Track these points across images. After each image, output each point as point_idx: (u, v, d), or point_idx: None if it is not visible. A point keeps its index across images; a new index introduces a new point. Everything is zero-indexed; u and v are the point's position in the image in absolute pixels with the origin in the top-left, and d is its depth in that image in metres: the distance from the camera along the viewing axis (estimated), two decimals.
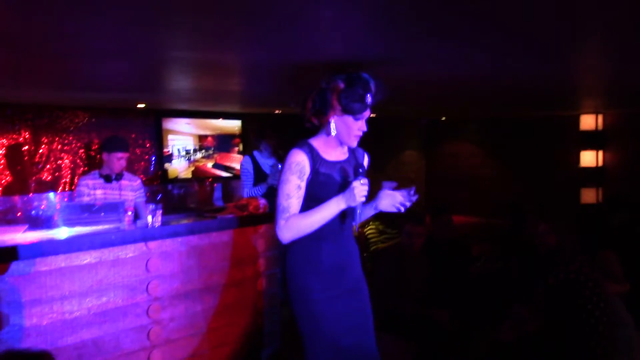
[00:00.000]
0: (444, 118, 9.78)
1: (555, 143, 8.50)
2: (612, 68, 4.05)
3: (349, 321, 2.58)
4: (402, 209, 2.52)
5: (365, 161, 2.77)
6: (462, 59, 3.53)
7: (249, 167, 4.97)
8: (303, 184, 2.51)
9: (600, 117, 7.93)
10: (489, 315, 4.18)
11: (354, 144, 2.58)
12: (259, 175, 4.99)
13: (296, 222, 2.47)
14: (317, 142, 2.58)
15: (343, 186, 2.53)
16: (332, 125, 2.52)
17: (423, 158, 10.43)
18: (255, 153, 5.10)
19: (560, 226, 5.37)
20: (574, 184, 8.04)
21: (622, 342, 3.50)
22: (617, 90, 5.64)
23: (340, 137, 2.55)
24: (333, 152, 2.59)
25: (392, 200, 2.52)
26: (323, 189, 2.52)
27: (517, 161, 8.97)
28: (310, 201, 2.52)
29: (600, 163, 7.89)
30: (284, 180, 2.50)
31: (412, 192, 2.52)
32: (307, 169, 2.51)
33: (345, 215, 2.57)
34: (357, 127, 2.51)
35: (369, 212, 2.67)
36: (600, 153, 7.90)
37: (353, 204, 2.46)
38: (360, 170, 2.50)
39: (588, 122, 7.95)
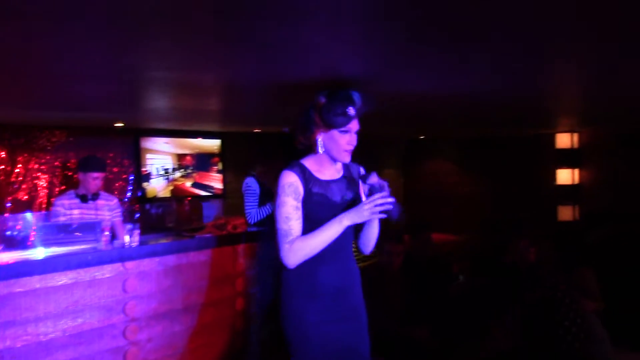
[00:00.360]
0: (422, 137, 9.86)
1: (532, 161, 8.61)
2: (586, 85, 4.12)
3: (342, 346, 2.49)
4: (376, 215, 2.42)
5: (362, 173, 2.64)
6: (439, 80, 3.58)
7: (255, 186, 4.67)
8: (300, 205, 2.44)
9: (575, 136, 8.06)
10: (468, 333, 4.18)
11: (346, 159, 2.50)
12: (265, 196, 4.71)
13: (301, 245, 2.39)
14: (309, 162, 2.52)
15: (339, 205, 2.49)
16: (320, 142, 2.46)
17: (402, 176, 10.49)
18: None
19: (538, 242, 5.44)
20: (550, 201, 8.13)
21: (598, 358, 3.53)
22: (592, 109, 5.74)
23: (331, 153, 2.48)
24: (326, 171, 2.53)
25: (359, 210, 2.41)
26: (318, 210, 2.45)
27: (495, 179, 9.06)
28: (308, 222, 2.44)
29: (577, 181, 8.00)
30: (281, 204, 2.42)
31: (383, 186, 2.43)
32: (301, 190, 2.44)
33: (345, 234, 2.47)
34: (346, 141, 2.45)
35: (372, 228, 2.61)
36: (577, 171, 8.01)
37: (359, 221, 2.42)
38: (378, 186, 2.42)
39: (564, 140, 8.06)
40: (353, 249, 2.66)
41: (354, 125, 2.46)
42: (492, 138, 9.06)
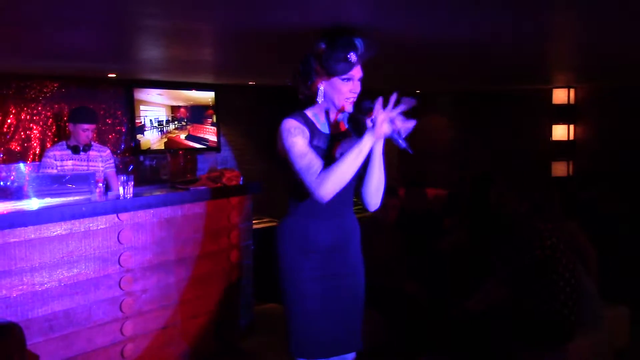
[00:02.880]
0: (418, 91, 9.79)
1: (528, 117, 8.57)
2: (586, 38, 4.07)
3: (336, 302, 2.48)
4: (388, 132, 2.27)
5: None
6: (437, 26, 3.51)
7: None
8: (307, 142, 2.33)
9: (572, 92, 8.00)
10: (459, 287, 4.24)
11: (350, 107, 2.40)
12: None
13: (329, 175, 2.22)
14: (311, 112, 2.44)
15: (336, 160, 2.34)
16: (321, 91, 2.38)
17: None
18: None
19: (527, 196, 5.46)
20: (545, 157, 8.14)
21: (588, 313, 3.59)
22: (590, 64, 5.69)
23: (333, 102, 2.40)
24: (330, 124, 2.45)
25: (377, 129, 2.25)
26: None
27: (491, 134, 9.04)
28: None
29: (572, 137, 7.99)
30: (291, 145, 2.29)
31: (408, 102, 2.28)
32: (306, 131, 2.35)
33: (344, 190, 2.33)
34: (349, 89, 2.37)
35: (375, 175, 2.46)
36: (572, 127, 7.99)
37: (380, 137, 2.27)
38: (366, 106, 2.30)
39: (560, 96, 8.01)
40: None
41: (357, 72, 2.38)
42: (488, 93, 9.00)
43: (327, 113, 2.46)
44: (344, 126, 2.52)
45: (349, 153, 2.23)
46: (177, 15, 3.00)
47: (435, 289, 4.23)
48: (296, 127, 2.32)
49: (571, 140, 7.98)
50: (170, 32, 3.55)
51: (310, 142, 2.35)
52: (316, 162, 2.27)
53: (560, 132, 8.01)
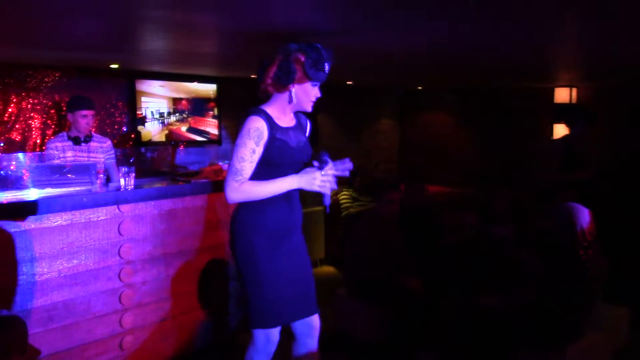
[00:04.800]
0: (420, 87, 9.77)
1: (529, 115, 8.56)
2: (588, 40, 4.06)
3: (290, 275, 2.76)
4: (324, 190, 2.65)
5: (308, 127, 2.95)
6: (440, 29, 3.52)
7: None
8: (258, 149, 2.63)
9: (574, 91, 7.99)
10: (458, 283, 4.24)
11: (310, 108, 2.75)
12: None
13: (248, 188, 2.62)
14: (270, 109, 2.72)
15: (297, 150, 2.72)
16: (293, 93, 2.69)
17: (398, 127, 10.44)
18: None
19: (522, 196, 5.48)
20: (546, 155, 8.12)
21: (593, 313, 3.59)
22: (592, 63, 5.68)
23: (300, 103, 2.73)
24: (285, 119, 2.76)
25: (310, 179, 2.64)
26: (278, 154, 2.66)
27: (491, 132, 9.03)
28: (266, 165, 2.66)
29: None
30: (240, 144, 2.61)
31: (345, 162, 2.70)
32: (265, 135, 2.63)
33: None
34: (314, 93, 2.71)
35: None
36: None
37: (306, 188, 2.66)
38: (325, 159, 2.65)
39: (562, 95, 8.00)
40: (346, 197, 2.68)
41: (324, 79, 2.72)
42: (489, 91, 8.98)
43: (283, 108, 2.75)
44: (294, 120, 2.83)
45: (274, 183, 2.63)
46: (181, 5, 2.99)
47: (437, 285, 4.23)
48: (256, 130, 2.61)
49: None
50: (174, 23, 3.54)
51: (274, 136, 2.64)
52: (246, 171, 2.61)
53: (561, 131, 7.99)
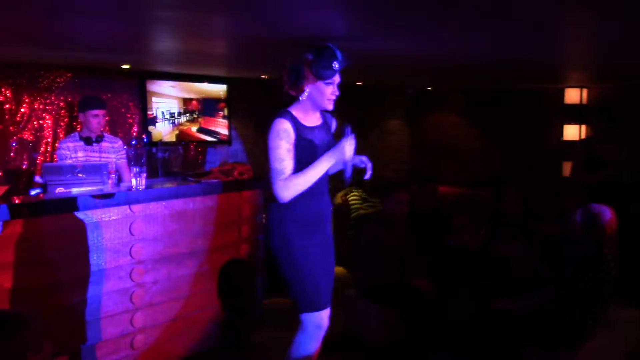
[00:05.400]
0: (430, 88, 9.75)
1: (540, 116, 8.52)
2: (598, 41, 4.04)
3: (320, 264, 2.91)
4: (349, 158, 2.80)
5: (334, 125, 3.09)
6: (449, 35, 3.52)
7: None
8: (291, 148, 2.79)
9: (585, 92, 7.95)
10: (469, 284, 4.23)
11: (330, 106, 2.88)
12: None
13: (294, 181, 2.76)
14: (295, 111, 2.87)
15: (322, 147, 2.86)
16: (306, 93, 2.83)
17: (408, 128, 10.42)
18: None
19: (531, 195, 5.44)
20: (556, 156, 8.09)
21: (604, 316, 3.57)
22: (603, 65, 5.65)
23: (317, 102, 2.86)
24: (310, 119, 2.90)
25: (341, 149, 2.79)
26: (306, 152, 2.82)
27: (501, 133, 9.00)
28: (296, 163, 2.81)
29: (584, 137, 7.93)
30: (274, 147, 2.76)
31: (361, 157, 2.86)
32: (292, 135, 2.79)
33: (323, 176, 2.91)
34: (330, 91, 2.83)
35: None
36: (584, 127, 7.94)
37: (342, 159, 2.80)
38: (348, 130, 2.79)
39: (572, 96, 7.96)
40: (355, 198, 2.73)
41: (337, 78, 2.84)
42: (499, 92, 8.94)
43: (307, 109, 2.89)
44: (320, 119, 2.97)
45: (314, 167, 2.79)
46: (192, 7, 3.00)
47: (447, 286, 4.22)
48: (284, 130, 2.77)
49: None
50: (185, 24, 3.55)
51: (300, 135, 2.80)
52: (288, 169, 2.77)
53: (571, 132, 7.96)
